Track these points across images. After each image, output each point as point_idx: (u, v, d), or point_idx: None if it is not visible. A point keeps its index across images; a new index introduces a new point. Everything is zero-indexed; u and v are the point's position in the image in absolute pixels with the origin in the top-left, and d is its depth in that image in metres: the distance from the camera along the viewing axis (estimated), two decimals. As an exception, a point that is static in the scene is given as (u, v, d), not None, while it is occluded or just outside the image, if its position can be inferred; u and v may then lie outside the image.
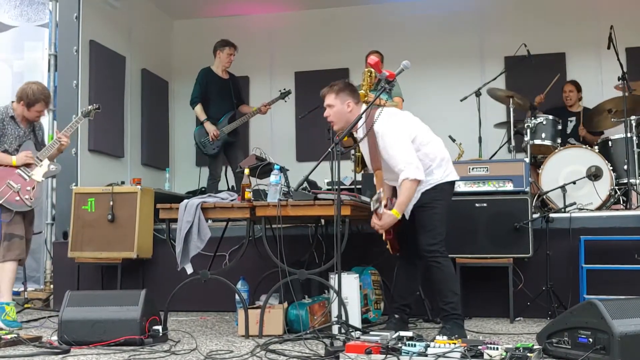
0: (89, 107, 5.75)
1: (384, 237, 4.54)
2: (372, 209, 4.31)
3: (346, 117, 4.51)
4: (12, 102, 5.51)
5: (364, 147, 4.57)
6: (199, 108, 7.49)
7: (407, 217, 4.49)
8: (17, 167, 5.35)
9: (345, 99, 4.51)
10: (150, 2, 8.61)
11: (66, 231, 6.52)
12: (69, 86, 6.99)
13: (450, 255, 5.36)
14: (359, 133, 4.54)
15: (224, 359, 3.84)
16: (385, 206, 4.34)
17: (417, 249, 4.49)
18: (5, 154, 5.39)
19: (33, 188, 5.38)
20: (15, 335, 4.36)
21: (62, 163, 6.63)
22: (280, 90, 7.87)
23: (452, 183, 4.58)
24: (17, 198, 5.28)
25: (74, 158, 6.78)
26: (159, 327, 4.37)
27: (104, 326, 4.24)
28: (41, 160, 5.47)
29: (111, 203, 6.15)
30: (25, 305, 6.62)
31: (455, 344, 3.44)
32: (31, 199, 5.37)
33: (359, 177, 6.87)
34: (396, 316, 4.74)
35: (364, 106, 4.56)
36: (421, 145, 4.43)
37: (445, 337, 3.60)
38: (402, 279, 4.78)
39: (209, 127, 7.41)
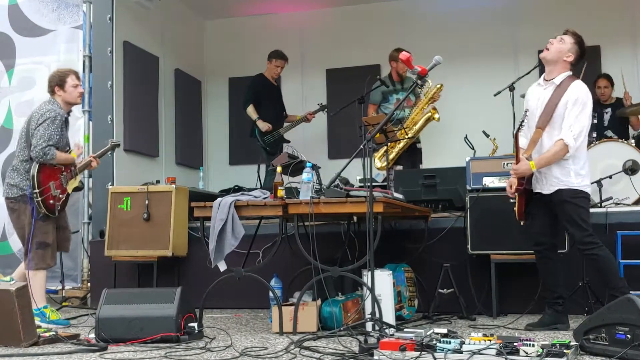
0: (115, 142, 6.03)
1: (514, 188, 4.63)
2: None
3: (561, 59, 4.58)
4: (51, 102, 5.41)
5: (541, 101, 4.61)
6: (250, 108, 7.79)
7: (543, 191, 4.60)
8: (61, 171, 5.35)
9: (575, 51, 4.58)
10: (182, 3, 8.68)
11: (103, 230, 6.60)
12: (103, 87, 7.09)
13: (484, 252, 5.37)
14: (545, 86, 4.62)
15: (259, 356, 3.86)
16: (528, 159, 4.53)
17: (550, 245, 4.73)
18: (65, 153, 5.38)
19: (64, 197, 5.38)
20: (54, 333, 4.42)
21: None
22: (319, 104, 8.09)
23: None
24: (52, 202, 5.26)
25: (109, 158, 6.86)
26: (195, 324, 4.41)
27: (141, 323, 4.28)
28: (77, 174, 5.55)
29: (146, 202, 6.23)
30: (63, 304, 6.71)
31: (490, 340, 3.42)
32: (59, 208, 5.34)
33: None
34: (549, 311, 4.76)
35: (567, 73, 4.60)
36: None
37: None
38: (544, 274, 4.81)
39: (262, 124, 7.67)
